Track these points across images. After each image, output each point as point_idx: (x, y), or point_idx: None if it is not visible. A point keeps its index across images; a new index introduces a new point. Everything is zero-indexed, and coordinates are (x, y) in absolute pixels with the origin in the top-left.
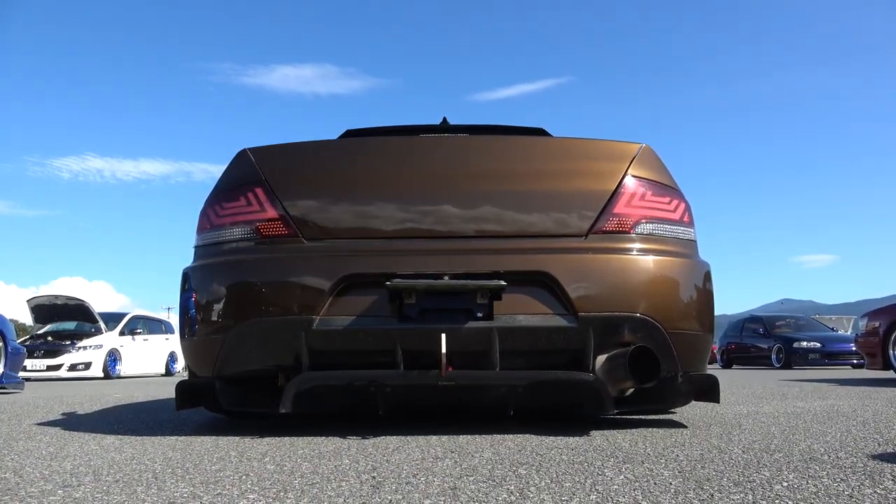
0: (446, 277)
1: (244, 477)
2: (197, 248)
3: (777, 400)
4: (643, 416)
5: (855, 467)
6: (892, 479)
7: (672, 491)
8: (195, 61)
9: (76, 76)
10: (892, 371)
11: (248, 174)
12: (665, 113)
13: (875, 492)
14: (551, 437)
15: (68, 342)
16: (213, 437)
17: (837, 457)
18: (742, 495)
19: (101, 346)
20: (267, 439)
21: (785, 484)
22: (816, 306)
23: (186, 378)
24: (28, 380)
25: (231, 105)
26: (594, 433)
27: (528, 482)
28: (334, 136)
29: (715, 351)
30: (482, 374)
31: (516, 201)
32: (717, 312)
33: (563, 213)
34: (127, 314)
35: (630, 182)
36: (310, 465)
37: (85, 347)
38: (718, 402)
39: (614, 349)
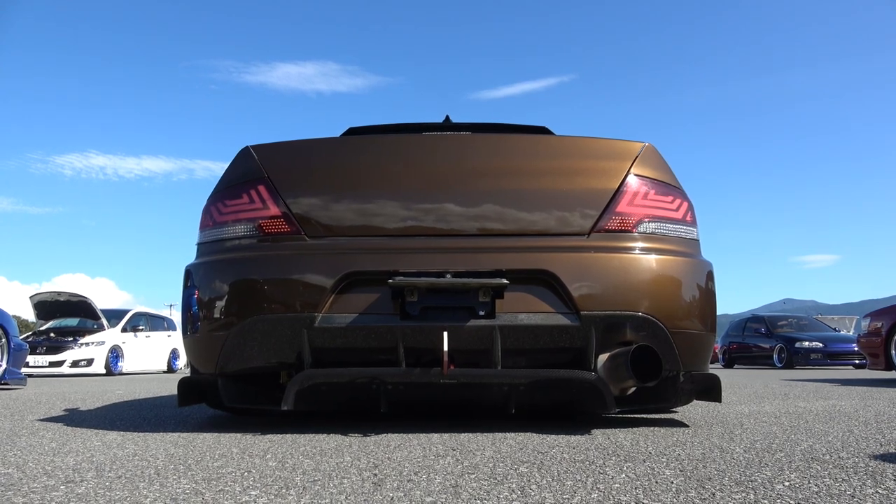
0: (448, 275)
1: (246, 473)
2: (200, 245)
3: (779, 400)
4: (645, 415)
5: (857, 467)
6: (894, 480)
7: (674, 490)
8: (197, 59)
9: (78, 73)
10: (894, 371)
11: (251, 171)
12: (667, 112)
13: (877, 492)
14: (553, 436)
15: (71, 339)
16: (216, 434)
17: (839, 457)
18: (743, 495)
19: (103, 343)
20: (269, 436)
21: (787, 483)
22: (819, 306)
23: (189, 375)
24: (30, 376)
25: (233, 103)
26: (595, 432)
27: (529, 480)
28: (337, 133)
29: (717, 350)
30: (484, 373)
31: (519, 199)
32: (718, 312)
33: (566, 212)
34: (129, 311)
35: (633, 181)
36: (311, 462)
37: (87, 344)
38: (720, 402)
39: (616, 348)
